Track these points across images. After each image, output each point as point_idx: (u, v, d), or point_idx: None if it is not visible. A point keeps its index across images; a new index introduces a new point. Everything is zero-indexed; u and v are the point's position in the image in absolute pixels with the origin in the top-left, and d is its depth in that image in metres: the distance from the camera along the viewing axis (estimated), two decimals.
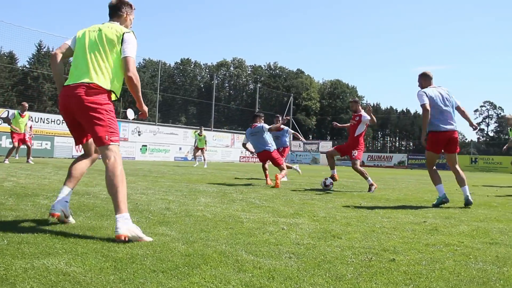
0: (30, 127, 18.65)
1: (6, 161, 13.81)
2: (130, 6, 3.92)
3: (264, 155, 10.04)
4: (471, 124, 7.10)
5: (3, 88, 41.16)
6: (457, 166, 6.54)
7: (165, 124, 33.56)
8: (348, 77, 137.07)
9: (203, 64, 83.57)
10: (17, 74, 44.84)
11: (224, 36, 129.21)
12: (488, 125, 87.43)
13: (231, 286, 2.24)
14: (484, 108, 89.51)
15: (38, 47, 48.78)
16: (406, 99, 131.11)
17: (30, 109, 34.40)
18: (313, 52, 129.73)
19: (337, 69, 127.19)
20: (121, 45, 3.56)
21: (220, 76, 77.08)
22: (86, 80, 3.47)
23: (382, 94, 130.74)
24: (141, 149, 27.61)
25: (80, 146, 3.93)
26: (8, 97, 40.42)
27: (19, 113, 14.56)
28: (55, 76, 3.77)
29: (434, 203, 6.33)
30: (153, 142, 28.29)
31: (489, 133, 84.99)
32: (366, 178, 8.66)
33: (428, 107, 6.29)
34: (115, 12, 3.85)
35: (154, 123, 30.64)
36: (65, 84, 3.63)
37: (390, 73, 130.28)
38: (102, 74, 3.52)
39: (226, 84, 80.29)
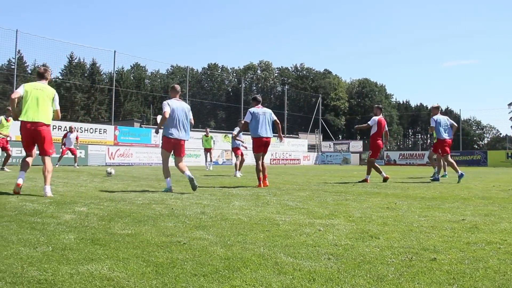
0: (76, 138, 19.27)
1: (6, 169, 14.24)
2: (49, 71, 7.12)
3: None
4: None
5: None
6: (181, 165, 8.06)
7: (195, 129, 33.83)
8: (377, 75, 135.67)
9: (230, 69, 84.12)
10: (51, 86, 45.93)
11: (250, 39, 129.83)
12: None
13: None
14: None
15: (70, 59, 50.02)
16: (437, 95, 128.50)
17: (64, 118, 35.09)
18: (340, 52, 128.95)
19: (365, 68, 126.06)
20: (53, 101, 6.80)
21: (247, 79, 77.34)
22: (42, 120, 6.58)
23: (411, 91, 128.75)
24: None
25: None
26: None
27: (5, 118, 14.47)
28: (14, 110, 6.60)
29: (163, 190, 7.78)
30: None
31: None
32: (380, 173, 11.23)
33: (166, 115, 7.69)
34: (43, 76, 6.94)
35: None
36: (28, 120, 6.48)
37: (419, 69, 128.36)
38: (48, 116, 6.69)
39: (254, 87, 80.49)
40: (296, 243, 3.32)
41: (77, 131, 23.86)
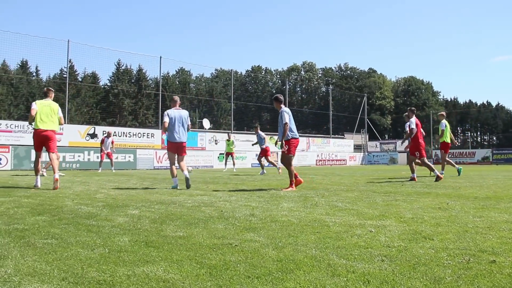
0: (112, 142, 19.92)
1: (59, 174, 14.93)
2: (52, 91, 9.34)
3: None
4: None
5: (88, 107, 43.68)
6: (182, 163, 9.35)
7: (240, 131, 34.08)
8: (422, 72, 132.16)
9: (274, 70, 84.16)
10: (100, 93, 47.39)
11: (292, 41, 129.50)
12: None
13: None
14: None
15: (117, 66, 51.40)
16: (486, 91, 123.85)
17: (112, 124, 36.07)
18: (384, 51, 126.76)
19: (410, 65, 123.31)
20: (58, 112, 9.04)
21: (291, 81, 77.18)
22: (50, 128, 8.89)
23: (459, 87, 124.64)
24: (218, 157, 28.17)
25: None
26: (93, 114, 42.94)
27: None
28: (31, 120, 8.89)
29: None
30: None
31: None
32: (432, 170, 11.58)
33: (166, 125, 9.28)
34: (47, 95, 9.20)
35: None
36: (40, 127, 8.75)
37: (468, 65, 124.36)
38: (55, 125, 9.00)
39: (298, 89, 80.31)
40: (348, 244, 3.29)
41: (126, 136, 24.53)
